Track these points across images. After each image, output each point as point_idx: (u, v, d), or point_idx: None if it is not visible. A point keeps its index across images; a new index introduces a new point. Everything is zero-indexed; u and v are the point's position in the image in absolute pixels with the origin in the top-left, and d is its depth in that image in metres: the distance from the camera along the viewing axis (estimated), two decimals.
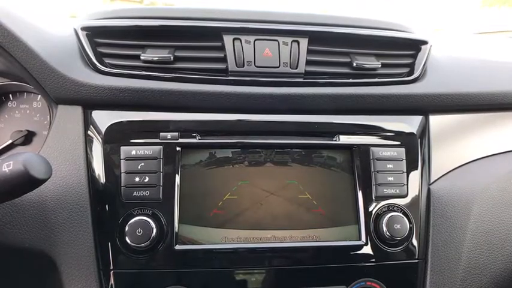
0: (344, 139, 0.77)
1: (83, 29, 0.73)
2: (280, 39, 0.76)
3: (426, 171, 0.80)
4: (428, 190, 0.78)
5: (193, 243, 0.68)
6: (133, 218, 0.66)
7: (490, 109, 0.86)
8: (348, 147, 0.76)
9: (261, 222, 0.71)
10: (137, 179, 0.69)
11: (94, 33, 0.74)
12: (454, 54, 0.91)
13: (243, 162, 0.74)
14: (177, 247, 0.67)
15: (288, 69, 0.76)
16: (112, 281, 0.67)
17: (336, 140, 0.76)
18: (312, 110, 0.78)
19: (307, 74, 0.77)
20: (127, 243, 0.65)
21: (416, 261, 0.74)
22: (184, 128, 0.73)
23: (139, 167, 0.69)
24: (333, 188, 0.75)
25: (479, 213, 0.77)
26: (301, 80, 0.77)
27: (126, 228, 0.65)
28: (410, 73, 0.81)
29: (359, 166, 0.75)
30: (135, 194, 0.68)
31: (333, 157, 0.76)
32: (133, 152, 0.70)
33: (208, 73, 0.75)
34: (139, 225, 0.65)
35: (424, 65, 0.82)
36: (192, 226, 0.69)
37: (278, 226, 0.71)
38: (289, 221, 0.72)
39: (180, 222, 0.69)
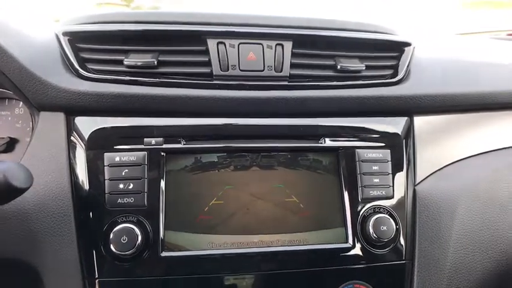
0: (330, 142, 0.77)
1: (65, 34, 0.72)
2: (265, 42, 0.76)
3: (411, 172, 0.80)
4: (414, 191, 0.79)
5: (179, 250, 0.68)
6: (117, 225, 0.65)
7: (474, 110, 0.87)
8: (334, 150, 0.77)
9: (248, 227, 0.71)
10: (121, 186, 0.68)
11: (76, 38, 0.73)
12: (437, 56, 0.91)
13: (229, 167, 0.73)
14: (163, 254, 0.67)
15: (273, 73, 0.76)
16: None
17: (321, 143, 0.76)
18: (297, 113, 0.78)
19: (292, 77, 0.77)
20: (112, 251, 0.64)
21: (403, 262, 0.75)
22: (169, 133, 0.72)
23: (123, 174, 0.68)
24: (319, 191, 0.75)
25: (464, 213, 0.78)
26: (286, 83, 0.77)
27: (111, 236, 0.65)
28: (394, 75, 0.82)
29: (345, 168, 0.75)
30: (119, 201, 0.67)
31: (319, 160, 0.76)
32: (117, 159, 0.69)
33: (192, 77, 0.75)
34: (124, 233, 0.65)
35: (407, 66, 0.82)
36: (178, 232, 0.69)
37: (265, 230, 0.71)
38: (276, 225, 0.72)
39: (165, 228, 0.68)
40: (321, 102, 0.78)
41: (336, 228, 0.73)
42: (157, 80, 0.73)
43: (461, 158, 0.84)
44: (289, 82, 0.77)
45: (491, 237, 0.78)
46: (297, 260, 0.71)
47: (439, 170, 0.82)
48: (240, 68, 0.75)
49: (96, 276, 0.66)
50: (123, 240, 0.64)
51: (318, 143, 0.76)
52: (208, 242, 0.69)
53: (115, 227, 0.65)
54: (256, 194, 0.73)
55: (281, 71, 0.76)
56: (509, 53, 1.03)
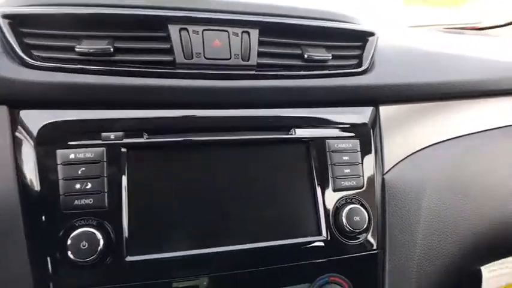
0: (300, 132, 0.74)
1: (5, 16, 0.64)
2: (230, 29, 0.72)
3: (379, 161, 0.80)
4: (383, 180, 0.79)
5: (147, 253, 0.62)
6: (76, 230, 0.59)
7: (437, 99, 0.89)
8: (304, 141, 0.75)
9: (219, 225, 0.67)
10: (78, 186, 0.61)
11: (19, 22, 0.64)
12: (399, 46, 0.93)
13: (195, 162, 0.69)
14: (129, 258, 0.61)
15: (240, 61, 0.73)
16: None
17: (292, 134, 0.74)
18: (266, 103, 0.75)
19: (259, 66, 0.74)
20: (70, 258, 0.58)
21: (375, 251, 0.74)
22: (130, 127, 0.66)
23: (79, 172, 0.62)
24: (290, 184, 0.72)
25: (430, 200, 0.79)
26: (253, 72, 0.73)
27: (68, 242, 0.58)
28: (359, 65, 0.81)
29: (316, 159, 0.74)
30: (76, 202, 0.60)
31: (289, 152, 0.74)
32: (72, 156, 0.62)
33: (153, 66, 0.69)
34: (84, 238, 0.58)
35: (372, 56, 0.82)
36: (144, 234, 0.63)
37: (237, 228, 0.68)
38: (249, 222, 0.68)
39: (130, 231, 0.62)
40: (288, 92, 0.75)
41: (309, 221, 0.71)
42: (114, 68, 0.66)
43: (426, 145, 0.85)
44: (256, 71, 0.74)
45: (455, 223, 0.80)
46: (270, 255, 0.68)
47: (404, 158, 0.83)
48: (206, 56, 0.70)
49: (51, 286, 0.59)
50: (82, 246, 0.58)
51: (289, 134, 0.74)
52: (178, 243, 0.64)
53: (73, 231, 0.58)
54: (226, 189, 0.69)
55: (248, 60, 0.73)
56: (467, 45, 1.07)
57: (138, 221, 0.63)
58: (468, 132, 0.90)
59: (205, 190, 0.68)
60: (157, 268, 0.62)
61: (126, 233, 0.62)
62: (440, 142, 0.87)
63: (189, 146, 0.69)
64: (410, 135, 0.85)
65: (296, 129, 0.74)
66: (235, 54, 0.72)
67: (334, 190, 0.73)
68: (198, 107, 0.71)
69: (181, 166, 0.68)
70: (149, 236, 0.63)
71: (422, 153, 0.84)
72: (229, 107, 0.73)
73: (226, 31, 0.72)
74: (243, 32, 0.73)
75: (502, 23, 1.53)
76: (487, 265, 0.91)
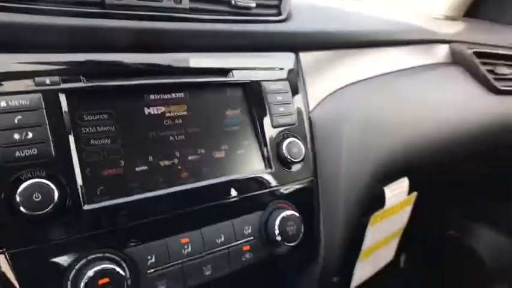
0: (238, 76, 0.78)
1: None
2: None
3: (305, 101, 0.89)
4: (309, 117, 0.88)
5: (104, 200, 0.60)
6: (23, 182, 0.53)
7: (349, 47, 1.01)
8: (243, 83, 0.78)
9: (172, 168, 0.67)
10: (17, 136, 0.55)
11: None
12: (312, 1, 1.02)
13: (136, 105, 0.67)
14: (87, 207, 0.58)
15: (172, 4, 0.72)
16: (7, 264, 0.53)
17: (231, 77, 0.77)
18: (198, 47, 0.76)
19: (191, 10, 0.74)
20: (23, 213, 0.52)
21: (311, 178, 0.83)
22: (65, 71, 0.61)
23: (16, 121, 0.55)
24: (233, 124, 0.76)
25: (349, 133, 0.91)
26: (186, 15, 0.73)
27: (18, 198, 0.52)
28: (279, 14, 0.87)
29: (255, 100, 0.78)
30: (18, 154, 0.54)
31: (229, 94, 0.77)
32: (3, 104, 0.55)
33: (79, 5, 0.64)
34: (35, 189, 0.53)
35: (288, 6, 0.89)
36: (99, 181, 0.60)
37: (189, 168, 0.69)
38: (199, 162, 0.70)
39: (84, 178, 0.58)
40: (218, 35, 0.78)
41: (256, 155, 0.76)
42: (35, 6, 0.60)
43: (342, 86, 0.97)
44: (189, 14, 0.74)
45: (368, 153, 0.94)
46: (227, 190, 0.71)
47: (325, 98, 0.93)
48: None
49: (4, 247, 0.53)
50: (35, 197, 0.52)
51: (227, 76, 0.77)
52: (132, 187, 0.63)
53: (20, 184, 0.53)
54: (171, 132, 0.69)
55: (181, 3, 0.73)
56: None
57: (90, 168, 0.59)
58: (375, 75, 1.05)
59: (151, 133, 0.67)
60: (116, 214, 0.60)
61: (80, 182, 0.58)
62: (354, 83, 0.99)
63: (130, 90, 0.67)
64: (327, 78, 0.96)
65: (234, 72, 0.77)
66: None
67: (274, 127, 0.79)
68: (134, 50, 0.69)
69: (124, 110, 0.65)
70: (104, 183, 0.60)
71: (339, 93, 0.96)
72: (163, 50, 0.72)
73: None
74: None
75: None
76: (388, 186, 1.09)
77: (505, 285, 1.70)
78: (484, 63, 1.33)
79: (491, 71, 1.34)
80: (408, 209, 1.20)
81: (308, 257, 0.87)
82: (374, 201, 1.06)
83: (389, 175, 1.08)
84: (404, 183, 1.13)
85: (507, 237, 1.73)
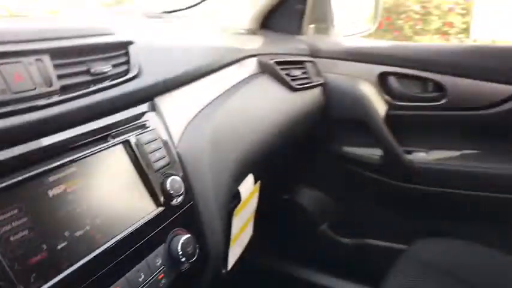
0: (115, 138, 0.89)
1: None
2: (24, 59, 0.76)
3: (171, 140, 1.05)
4: (177, 153, 1.06)
5: (42, 284, 0.67)
6: None
7: (191, 81, 1.22)
8: (120, 143, 0.90)
9: (86, 237, 0.76)
10: None
11: None
12: (153, 41, 1.18)
13: (42, 193, 0.73)
14: None
15: (45, 89, 0.78)
16: None
17: (110, 141, 0.88)
18: (75, 122, 0.83)
19: (62, 89, 0.81)
20: None
21: (191, 203, 1.03)
22: None
23: None
24: (125, 179, 0.88)
25: (207, 154, 1.13)
26: (59, 97, 0.80)
27: None
28: (128, 72, 0.99)
29: (134, 155, 0.91)
30: None
31: (113, 156, 0.88)
32: None
33: None
34: None
35: (136, 62, 1.01)
36: (29, 270, 0.66)
37: (101, 232, 0.79)
38: (108, 223, 0.81)
39: (15, 272, 0.64)
40: (88, 109, 0.85)
41: (147, 200, 0.91)
42: None
43: (195, 115, 1.17)
44: (60, 95, 0.81)
45: (227, 167, 1.19)
46: (135, 237, 0.84)
47: (184, 132, 1.12)
48: (12, 91, 0.72)
49: None
50: None
51: (107, 141, 0.87)
52: (59, 264, 0.71)
53: None
54: (78, 204, 0.77)
55: (51, 86, 0.79)
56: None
57: (18, 262, 0.65)
58: (214, 97, 1.29)
59: (61, 211, 0.74)
60: None
61: (12, 276, 0.63)
62: (201, 110, 1.21)
63: (30, 179, 0.72)
64: (181, 112, 1.14)
65: (110, 136, 0.88)
66: (37, 83, 0.77)
67: (155, 172, 0.94)
68: (20, 142, 0.73)
69: (31, 199, 0.71)
70: (34, 270, 0.67)
71: (192, 123, 1.16)
72: (45, 135, 0.77)
73: (21, 62, 0.75)
74: (36, 60, 0.77)
75: (184, 7, 1.97)
76: (241, 185, 1.38)
77: (325, 225, 2.30)
78: (282, 69, 1.74)
79: (288, 75, 1.76)
80: (256, 195, 1.52)
81: (203, 263, 1.09)
82: (234, 199, 1.34)
83: (242, 176, 1.36)
84: (250, 179, 1.43)
85: (324, 192, 2.32)
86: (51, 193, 0.74)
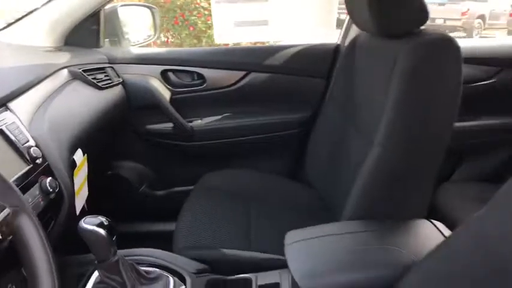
0: None
1: None
2: None
3: (24, 126, 1.67)
4: (31, 134, 1.68)
5: None
6: None
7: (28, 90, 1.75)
8: None
9: None
10: None
11: None
12: None
13: None
14: None
15: None
16: None
17: None
18: None
19: None
20: None
21: (46, 163, 1.68)
22: None
23: None
24: (4, 156, 1.50)
25: (53, 138, 1.78)
26: None
27: None
28: None
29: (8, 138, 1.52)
30: None
31: None
32: None
33: None
34: None
35: None
36: None
37: None
38: None
39: None
40: None
41: (22, 163, 1.54)
42: None
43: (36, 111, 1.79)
44: None
45: (63, 144, 1.86)
46: None
47: (31, 120, 1.74)
48: None
49: None
50: None
51: None
52: None
53: None
54: None
55: None
56: None
57: None
58: (45, 99, 1.92)
59: None
60: None
61: None
62: (40, 107, 1.83)
63: None
64: (26, 109, 1.76)
65: None
66: None
67: (22, 145, 1.57)
68: None
69: None
70: None
71: (36, 115, 1.78)
72: None
73: None
74: None
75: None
76: (75, 155, 2.05)
77: (144, 186, 3.13)
78: (89, 75, 2.44)
79: (94, 78, 2.47)
80: (86, 164, 2.21)
81: (62, 195, 1.73)
82: (73, 164, 2.00)
83: (74, 149, 1.93)
84: (79, 152, 1.95)
85: (139, 162, 3.12)
86: None
